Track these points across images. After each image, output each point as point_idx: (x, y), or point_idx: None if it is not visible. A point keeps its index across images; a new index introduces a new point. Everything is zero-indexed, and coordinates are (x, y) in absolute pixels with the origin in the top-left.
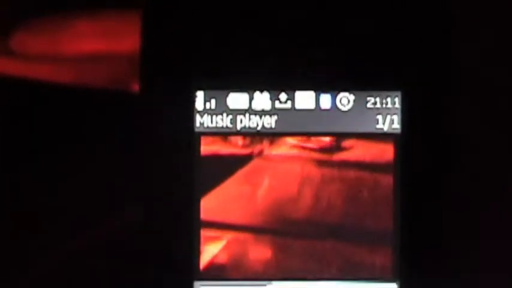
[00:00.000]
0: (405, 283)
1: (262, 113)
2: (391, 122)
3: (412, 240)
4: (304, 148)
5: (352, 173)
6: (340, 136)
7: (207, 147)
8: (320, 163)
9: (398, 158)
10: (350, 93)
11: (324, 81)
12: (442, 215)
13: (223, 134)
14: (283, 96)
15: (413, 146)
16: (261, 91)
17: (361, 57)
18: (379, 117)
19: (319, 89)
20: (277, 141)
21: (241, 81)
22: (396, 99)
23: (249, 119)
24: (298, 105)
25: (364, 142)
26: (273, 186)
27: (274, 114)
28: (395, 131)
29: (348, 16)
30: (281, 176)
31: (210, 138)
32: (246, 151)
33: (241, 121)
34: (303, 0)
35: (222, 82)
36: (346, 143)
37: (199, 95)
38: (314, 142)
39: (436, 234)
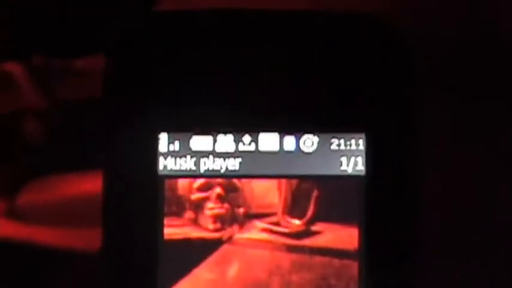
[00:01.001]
0: None
1: (225, 156)
2: (355, 164)
3: None
4: (273, 232)
5: (321, 260)
6: (303, 178)
7: (173, 229)
8: (290, 248)
9: (362, 201)
10: (314, 135)
11: (288, 123)
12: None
13: (186, 177)
14: (246, 138)
15: (378, 188)
16: (225, 133)
17: (325, 98)
18: (343, 159)
19: (282, 131)
20: (247, 225)
21: (205, 123)
22: (360, 141)
23: (213, 161)
24: (262, 147)
25: (333, 226)
26: (242, 275)
27: (238, 156)
28: (360, 173)
29: (310, 57)
30: (250, 262)
31: (178, 220)
32: (216, 235)
33: (204, 163)
34: (265, 41)
35: (185, 124)
36: (316, 227)
37: (163, 137)
38: (284, 226)
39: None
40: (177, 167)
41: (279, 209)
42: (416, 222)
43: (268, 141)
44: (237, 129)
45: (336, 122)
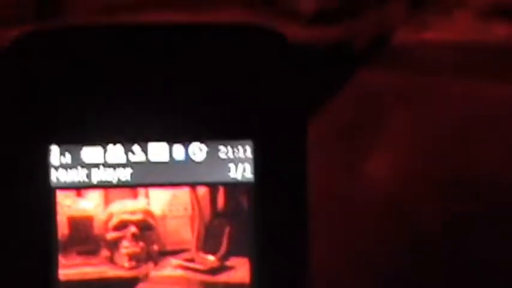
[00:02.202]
0: None
1: (116, 166)
2: (243, 171)
3: None
4: (188, 269)
5: None
6: (193, 185)
7: (89, 268)
8: (205, 285)
9: (252, 207)
10: (202, 143)
11: (176, 132)
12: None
13: (79, 188)
14: (136, 148)
15: (267, 194)
16: (114, 144)
17: (212, 107)
18: (232, 166)
19: (171, 140)
20: (161, 262)
21: (94, 134)
22: (248, 148)
23: (104, 172)
24: (152, 157)
25: (246, 260)
26: None
27: (128, 166)
28: (249, 180)
29: (196, 68)
30: None
31: (94, 259)
32: (132, 273)
33: (96, 175)
34: (152, 54)
35: (75, 136)
36: (230, 262)
37: (54, 149)
38: (198, 262)
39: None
40: (69, 179)
41: (192, 245)
42: (305, 224)
43: (158, 150)
44: (126, 140)
45: (223, 130)
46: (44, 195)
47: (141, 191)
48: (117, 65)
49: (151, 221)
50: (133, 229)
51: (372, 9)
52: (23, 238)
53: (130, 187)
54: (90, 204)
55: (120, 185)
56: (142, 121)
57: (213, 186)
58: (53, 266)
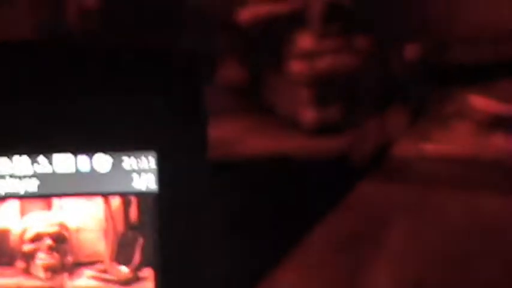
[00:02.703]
0: None
1: (23, 177)
2: (147, 182)
3: None
4: (102, 279)
5: None
6: (104, 195)
7: (3, 279)
8: None
9: (156, 217)
10: (106, 154)
11: (81, 144)
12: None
13: None
14: (42, 159)
15: (171, 204)
16: (20, 155)
17: (116, 120)
18: (135, 176)
19: (76, 151)
20: (76, 273)
21: (0, 146)
22: (151, 159)
23: (11, 183)
24: (58, 168)
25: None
26: None
27: (35, 177)
28: (153, 191)
29: (101, 80)
30: None
31: (9, 269)
32: (47, 284)
33: (3, 186)
34: (56, 65)
35: None
36: (143, 273)
37: None
38: (112, 273)
39: None
40: None
41: (106, 256)
42: (208, 233)
43: (63, 161)
44: (32, 151)
45: (126, 141)
46: None
47: (56, 203)
48: (22, 79)
49: (66, 233)
50: (48, 241)
51: (372, 120)
52: None
53: (35, 197)
54: (6, 217)
55: (27, 196)
56: (47, 133)
57: (125, 198)
58: None
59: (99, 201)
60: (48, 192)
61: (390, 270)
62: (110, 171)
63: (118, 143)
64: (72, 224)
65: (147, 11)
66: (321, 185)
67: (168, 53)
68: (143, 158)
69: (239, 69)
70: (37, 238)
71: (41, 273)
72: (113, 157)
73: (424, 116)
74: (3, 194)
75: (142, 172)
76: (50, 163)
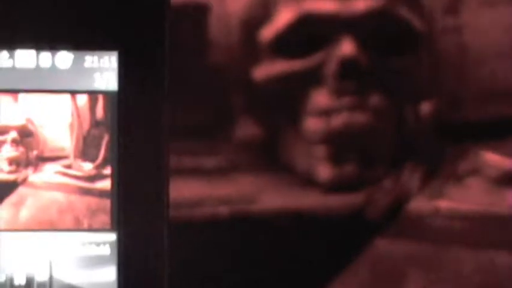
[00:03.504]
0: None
1: None
2: (108, 81)
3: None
4: (66, 175)
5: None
6: (60, 92)
7: None
8: (82, 191)
9: (116, 117)
10: (69, 51)
11: (44, 41)
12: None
13: None
14: (4, 54)
15: (129, 103)
16: None
17: (80, 18)
18: (97, 75)
19: (39, 48)
20: (40, 167)
21: None
22: (113, 59)
23: None
24: (19, 63)
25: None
26: (36, 214)
27: None
28: (112, 89)
29: None
30: (44, 203)
31: None
32: (11, 177)
33: None
34: None
35: None
36: (107, 170)
37: None
38: (76, 169)
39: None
40: None
41: (71, 152)
42: (161, 128)
43: (25, 57)
44: None
45: (90, 40)
46: None
47: (22, 97)
48: None
49: (32, 127)
50: (14, 134)
51: (388, 177)
52: None
53: None
54: None
55: None
56: (10, 28)
57: (92, 96)
58: None
59: (66, 97)
60: (7, 87)
61: None
62: (72, 68)
63: (81, 41)
64: (38, 119)
65: None
66: (337, 242)
67: None
68: (105, 57)
69: (255, 126)
70: (2, 131)
71: (5, 166)
72: (75, 55)
73: (438, 173)
74: None
75: (104, 71)
76: (12, 58)
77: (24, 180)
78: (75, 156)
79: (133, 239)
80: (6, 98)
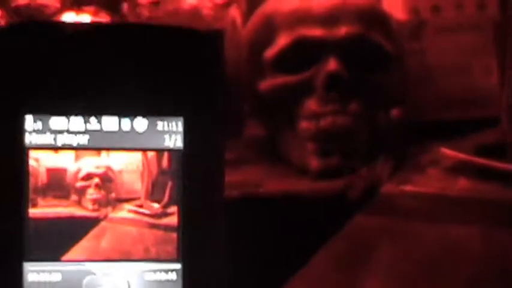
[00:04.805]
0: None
1: (77, 133)
2: (175, 141)
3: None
4: (138, 213)
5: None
6: (138, 150)
7: (60, 209)
8: (150, 226)
9: (181, 168)
10: (144, 118)
11: (124, 109)
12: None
13: (47, 149)
14: (93, 120)
15: (193, 159)
16: (76, 115)
17: (152, 90)
18: (167, 136)
19: (120, 114)
20: (118, 207)
21: (61, 108)
22: (179, 123)
23: (67, 137)
24: (105, 127)
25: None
26: (114, 245)
27: (86, 134)
28: (179, 148)
29: (143, 59)
30: (120, 235)
31: (65, 201)
32: (95, 214)
33: (61, 139)
34: (108, 45)
35: (45, 108)
36: (170, 209)
37: (28, 118)
38: (146, 208)
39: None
40: (39, 142)
41: (142, 194)
42: (220, 180)
43: (110, 122)
44: (86, 113)
45: (161, 108)
46: (19, 153)
47: (104, 152)
48: (80, 57)
49: (111, 174)
50: (96, 180)
51: (365, 167)
52: (2, 186)
53: (86, 149)
54: (64, 160)
55: (79, 147)
56: (98, 99)
57: (158, 152)
58: (24, 206)
59: (138, 153)
60: (95, 146)
61: (378, 284)
62: (147, 131)
63: (154, 110)
64: (116, 167)
65: None
66: (324, 218)
67: (197, 36)
68: (173, 122)
69: (259, 127)
70: (88, 177)
71: (90, 205)
72: (149, 120)
73: (405, 164)
74: (60, 145)
75: (172, 133)
76: (99, 123)
77: (104, 217)
78: (145, 198)
79: (196, 267)
80: (93, 152)
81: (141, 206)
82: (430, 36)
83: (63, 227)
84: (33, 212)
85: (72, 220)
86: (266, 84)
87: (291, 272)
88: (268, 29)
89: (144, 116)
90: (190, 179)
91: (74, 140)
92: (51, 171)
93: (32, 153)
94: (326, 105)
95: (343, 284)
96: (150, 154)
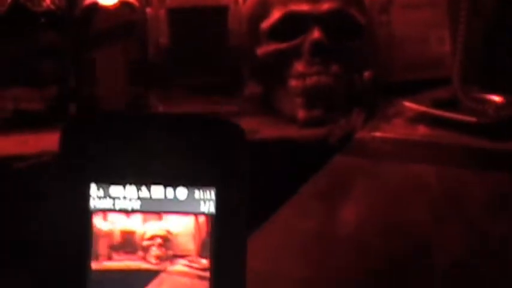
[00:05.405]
0: None
1: (131, 199)
2: (209, 207)
3: None
4: (190, 267)
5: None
6: (177, 213)
7: (129, 262)
8: (200, 277)
9: (213, 229)
10: (184, 187)
11: (168, 180)
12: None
13: (107, 211)
14: (144, 188)
15: (222, 222)
16: (130, 185)
17: (192, 167)
18: (201, 203)
19: (166, 185)
20: (175, 262)
21: (118, 178)
22: (212, 192)
23: (123, 203)
24: (153, 195)
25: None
26: None
27: (138, 200)
28: (212, 213)
29: (183, 145)
30: (177, 285)
31: (133, 256)
32: (156, 267)
33: (118, 204)
34: (159, 132)
35: (106, 179)
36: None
37: (93, 186)
38: (197, 263)
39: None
40: (101, 206)
41: (193, 252)
42: (245, 239)
43: (157, 191)
44: (138, 183)
45: (198, 180)
46: (85, 215)
47: (165, 216)
48: (135, 140)
49: (170, 236)
50: (159, 240)
51: (343, 118)
52: (70, 242)
53: (138, 212)
54: (134, 222)
55: (132, 211)
56: (148, 172)
57: (210, 216)
58: (87, 259)
59: (191, 217)
60: (146, 210)
61: (356, 212)
62: (187, 198)
63: (193, 181)
64: (174, 230)
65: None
66: (310, 158)
67: (227, 125)
68: (207, 191)
69: (257, 85)
70: (152, 238)
71: (153, 260)
72: (188, 190)
73: (375, 116)
74: (117, 209)
75: (207, 201)
76: (149, 191)
77: (164, 270)
78: (196, 255)
79: None
80: (154, 216)
81: (192, 261)
82: (396, 11)
83: (131, 277)
84: (108, 264)
85: (138, 272)
86: (262, 50)
87: (282, 202)
88: (264, 5)
89: (184, 186)
90: (220, 238)
91: (129, 205)
92: (124, 232)
93: (109, 217)
94: (311, 67)
95: (324, 211)
96: (201, 219)
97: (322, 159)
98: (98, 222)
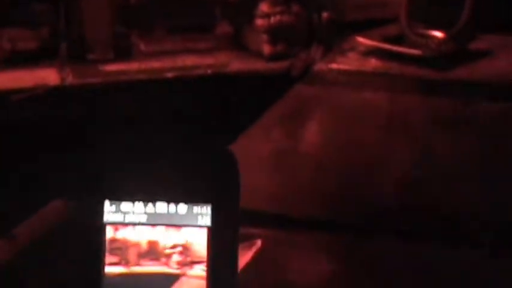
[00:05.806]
0: None
1: (139, 213)
2: (206, 220)
3: None
4: (205, 271)
5: None
6: (177, 226)
7: (154, 267)
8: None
9: (210, 241)
10: (185, 204)
11: (170, 197)
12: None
13: (119, 224)
14: (149, 204)
15: (218, 234)
16: (138, 201)
17: (190, 188)
18: (199, 217)
19: (168, 201)
20: (192, 266)
21: (128, 196)
22: (208, 208)
23: (132, 216)
24: (158, 210)
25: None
26: None
27: (145, 214)
28: (208, 225)
29: (181, 169)
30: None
31: (158, 261)
32: (178, 271)
33: (128, 217)
34: (158, 150)
35: (118, 197)
36: None
37: (106, 203)
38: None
39: None
40: (114, 219)
41: (206, 259)
42: (236, 248)
43: (161, 207)
44: (144, 200)
45: (196, 198)
46: (99, 227)
47: (183, 228)
48: (142, 165)
49: (188, 245)
50: (179, 248)
51: (303, 52)
52: (87, 252)
53: (144, 225)
54: (158, 233)
55: (139, 223)
56: (153, 191)
57: (211, 228)
58: (101, 265)
59: (204, 230)
60: (152, 223)
61: (314, 133)
62: (186, 213)
63: (192, 198)
64: (190, 240)
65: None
66: (274, 87)
67: (221, 152)
68: (204, 207)
69: (229, 24)
70: (173, 247)
71: (175, 266)
72: (188, 206)
73: (331, 50)
74: (126, 221)
75: (204, 215)
76: (154, 206)
77: (183, 274)
78: (207, 261)
79: None
80: (176, 229)
81: (206, 266)
82: None
83: (156, 280)
84: (136, 269)
85: (162, 275)
86: None
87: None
88: None
89: (185, 202)
90: (215, 247)
91: (137, 219)
92: (149, 242)
93: (137, 229)
94: (275, 7)
95: (287, 133)
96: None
97: (285, 88)
98: (137, 235)
